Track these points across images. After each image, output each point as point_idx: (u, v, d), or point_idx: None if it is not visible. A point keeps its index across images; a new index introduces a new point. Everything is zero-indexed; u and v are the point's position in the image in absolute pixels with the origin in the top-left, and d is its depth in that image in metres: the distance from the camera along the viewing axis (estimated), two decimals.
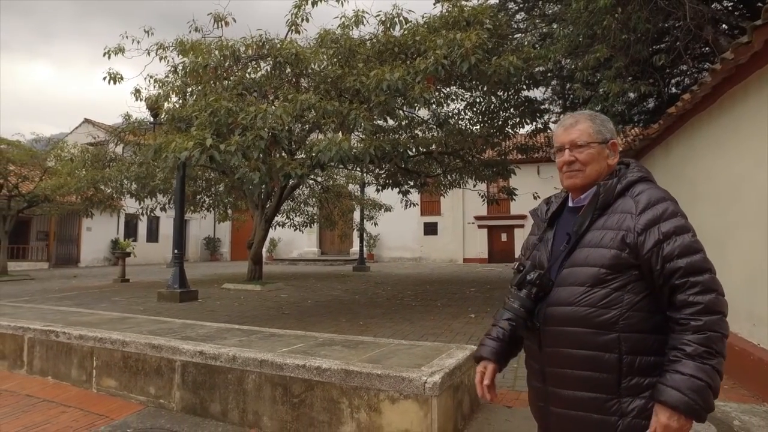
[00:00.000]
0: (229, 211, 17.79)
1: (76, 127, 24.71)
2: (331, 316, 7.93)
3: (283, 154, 8.63)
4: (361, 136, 8.50)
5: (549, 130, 11.52)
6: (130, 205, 14.92)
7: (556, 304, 1.39)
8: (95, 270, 20.33)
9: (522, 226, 23.32)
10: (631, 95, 8.59)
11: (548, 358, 1.42)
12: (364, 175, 15.24)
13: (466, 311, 8.15)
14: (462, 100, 10.76)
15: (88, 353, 4.04)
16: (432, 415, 2.65)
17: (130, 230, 24.80)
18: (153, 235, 26.60)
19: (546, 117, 11.01)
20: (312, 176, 13.80)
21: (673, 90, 9.30)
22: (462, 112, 10.96)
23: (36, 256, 21.64)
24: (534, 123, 10.62)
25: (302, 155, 7.98)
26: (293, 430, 3.02)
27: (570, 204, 1.52)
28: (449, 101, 10.57)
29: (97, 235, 23.32)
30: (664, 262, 1.27)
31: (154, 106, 9.98)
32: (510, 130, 10.69)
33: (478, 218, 24.26)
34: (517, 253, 21.75)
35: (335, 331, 6.51)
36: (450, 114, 10.94)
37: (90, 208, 13.13)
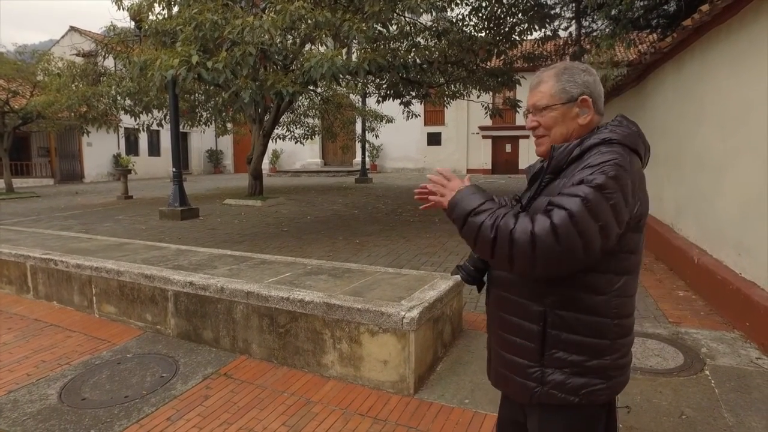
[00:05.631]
0: (228, 125, 17.48)
1: (62, 37, 23.58)
2: (328, 233, 8.07)
3: (276, 68, 8.23)
4: (357, 46, 8.01)
5: (558, 38, 10.83)
6: (128, 120, 14.65)
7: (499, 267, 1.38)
8: (100, 186, 20.52)
9: (527, 137, 22.84)
10: None
11: (491, 317, 1.46)
12: (365, 86, 14.70)
13: None
14: (466, 4, 10.00)
15: (87, 281, 4.18)
16: (410, 348, 2.76)
17: (131, 145, 24.59)
18: (154, 149, 26.43)
19: (556, 23, 10.31)
20: (305, 92, 13.28)
21: None
22: (466, 18, 10.25)
23: (40, 172, 21.75)
24: (543, 30, 9.96)
25: (296, 69, 7.60)
26: (281, 357, 3.19)
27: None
28: (453, 5, 9.84)
29: (98, 150, 23.20)
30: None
31: (136, 17, 9.39)
32: (517, 38, 10.05)
33: (482, 128, 23.75)
34: (521, 165, 21.57)
35: (331, 250, 6.66)
36: (454, 19, 10.22)
37: (84, 125, 12.87)
